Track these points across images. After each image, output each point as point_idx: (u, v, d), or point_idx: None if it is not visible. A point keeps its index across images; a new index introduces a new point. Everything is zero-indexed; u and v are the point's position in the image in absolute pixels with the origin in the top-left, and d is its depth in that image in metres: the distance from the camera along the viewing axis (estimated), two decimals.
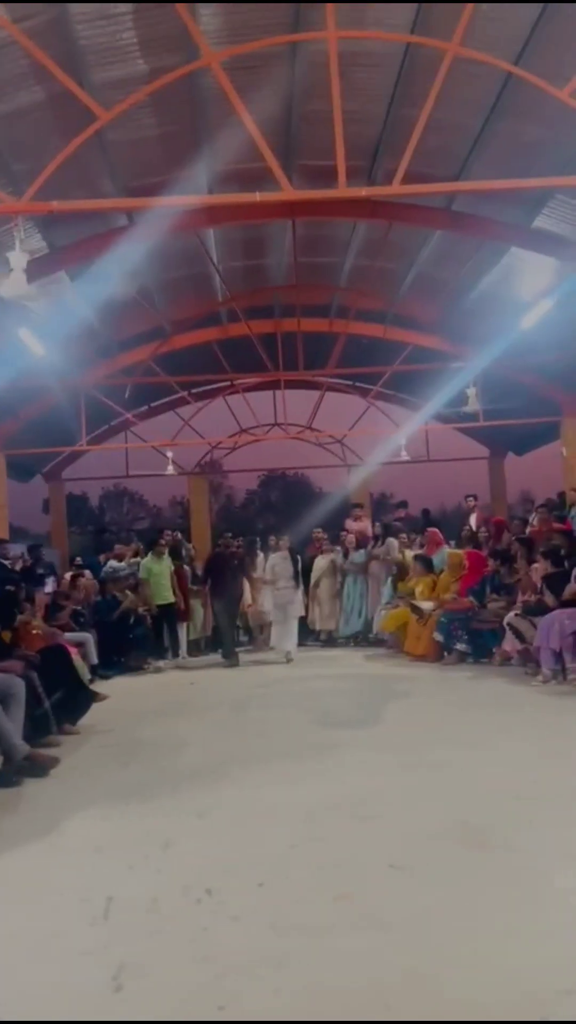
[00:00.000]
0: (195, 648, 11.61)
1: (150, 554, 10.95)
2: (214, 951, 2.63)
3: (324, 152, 7.81)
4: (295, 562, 10.45)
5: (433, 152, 8.75)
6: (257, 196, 6.35)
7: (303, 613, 10.90)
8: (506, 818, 3.72)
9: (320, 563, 11.95)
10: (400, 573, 11.25)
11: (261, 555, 11.78)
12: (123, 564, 11.86)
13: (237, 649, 10.94)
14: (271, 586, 10.54)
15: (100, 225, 10.22)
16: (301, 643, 11.57)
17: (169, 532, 11.63)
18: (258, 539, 12.51)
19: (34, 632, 6.93)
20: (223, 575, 10.76)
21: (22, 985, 2.50)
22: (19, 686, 5.41)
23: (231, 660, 10.30)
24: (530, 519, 12.01)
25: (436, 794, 4.18)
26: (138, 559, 11.93)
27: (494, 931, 2.66)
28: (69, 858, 3.61)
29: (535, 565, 8.85)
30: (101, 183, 9.16)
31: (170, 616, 10.93)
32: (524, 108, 8.15)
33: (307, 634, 11.86)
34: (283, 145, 9.05)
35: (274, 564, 10.49)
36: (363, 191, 6.94)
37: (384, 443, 18.33)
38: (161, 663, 10.76)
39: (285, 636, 10.34)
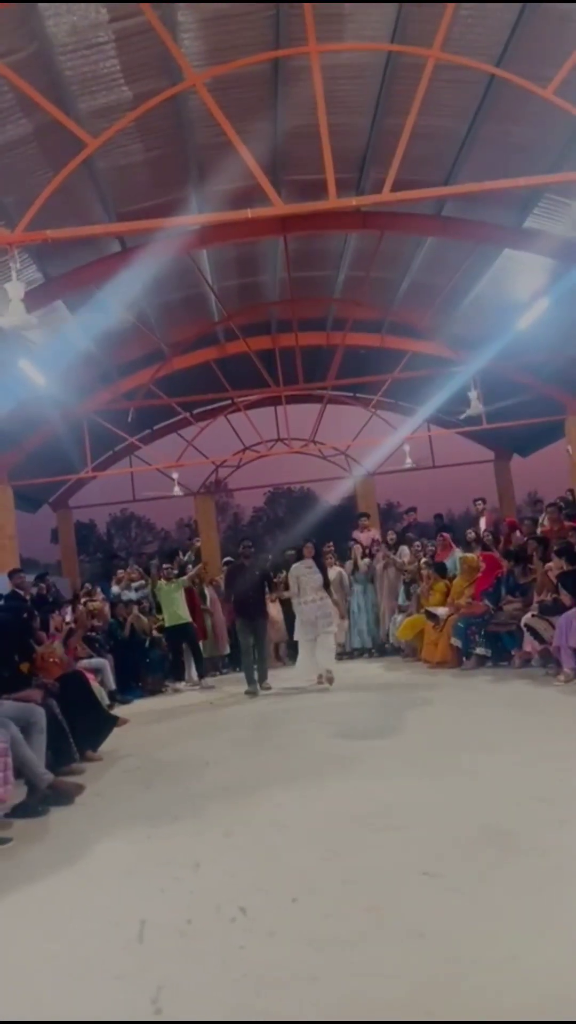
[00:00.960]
0: (210, 667, 11.58)
1: (161, 578, 10.95)
2: (251, 969, 2.60)
3: (312, 166, 7.87)
4: (323, 570, 9.39)
5: (420, 159, 8.80)
6: (248, 213, 6.38)
7: (336, 628, 9.72)
8: (535, 821, 3.67)
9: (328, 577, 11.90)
10: (411, 581, 11.23)
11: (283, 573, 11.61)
12: (130, 589, 11.87)
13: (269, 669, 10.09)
14: (296, 600, 9.29)
15: (94, 253, 10.30)
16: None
17: (181, 553, 11.62)
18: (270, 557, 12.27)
19: (52, 660, 6.92)
20: (244, 590, 9.77)
21: (60, 1012, 2.47)
22: (39, 715, 5.40)
23: (251, 688, 9.31)
24: (540, 519, 11.98)
25: (463, 800, 4.13)
26: (141, 582, 11.96)
27: (529, 935, 2.62)
28: (99, 884, 3.58)
29: (549, 564, 8.81)
30: (93, 211, 9.24)
31: (189, 637, 10.90)
32: (509, 109, 8.20)
33: None
34: (271, 162, 9.11)
35: (298, 575, 9.25)
36: (353, 201, 6.98)
37: (387, 450, 18.35)
38: (180, 685, 10.74)
39: (321, 655, 8.97)
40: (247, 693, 9.16)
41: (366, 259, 11.99)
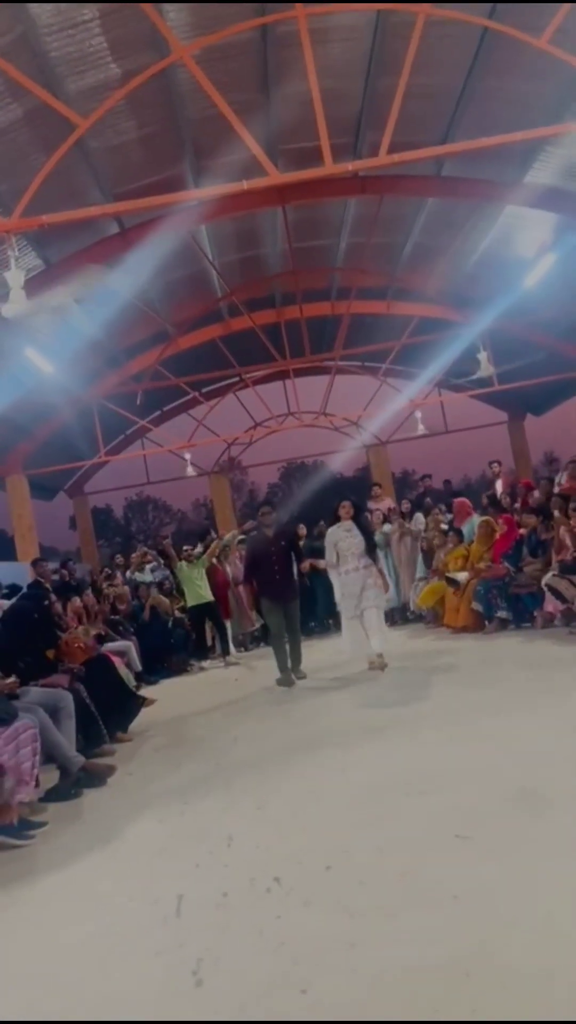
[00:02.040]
0: (237, 645, 11.65)
1: (183, 559, 10.96)
2: (288, 938, 2.63)
3: (307, 133, 7.76)
4: (365, 532, 7.91)
5: (417, 119, 8.65)
6: (244, 184, 6.30)
7: (386, 602, 8.48)
8: (565, 781, 3.66)
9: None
10: (430, 549, 11.18)
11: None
12: (143, 571, 11.92)
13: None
14: (335, 571, 7.90)
15: (92, 236, 10.22)
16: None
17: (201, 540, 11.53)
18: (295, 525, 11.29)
19: (77, 646, 6.98)
20: (268, 564, 8.14)
21: (103, 990, 2.52)
22: (67, 699, 5.46)
23: (283, 677, 7.90)
24: (556, 478, 11.88)
25: (492, 764, 4.13)
26: (154, 564, 12.00)
27: (565, 893, 2.62)
28: (135, 862, 3.63)
29: (562, 526, 8.75)
30: (88, 193, 9.16)
31: (213, 615, 10.95)
32: (504, 63, 8.02)
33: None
34: (265, 132, 8.96)
35: (336, 540, 7.85)
36: (349, 166, 6.87)
37: (398, 418, 18.24)
38: (205, 663, 10.82)
39: (372, 633, 7.58)
40: (279, 683, 7.83)
41: (367, 225, 11.84)
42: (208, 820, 4.03)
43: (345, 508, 7.91)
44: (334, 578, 7.96)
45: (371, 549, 7.88)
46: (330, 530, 8.01)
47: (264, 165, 6.28)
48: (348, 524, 7.85)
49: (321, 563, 8.62)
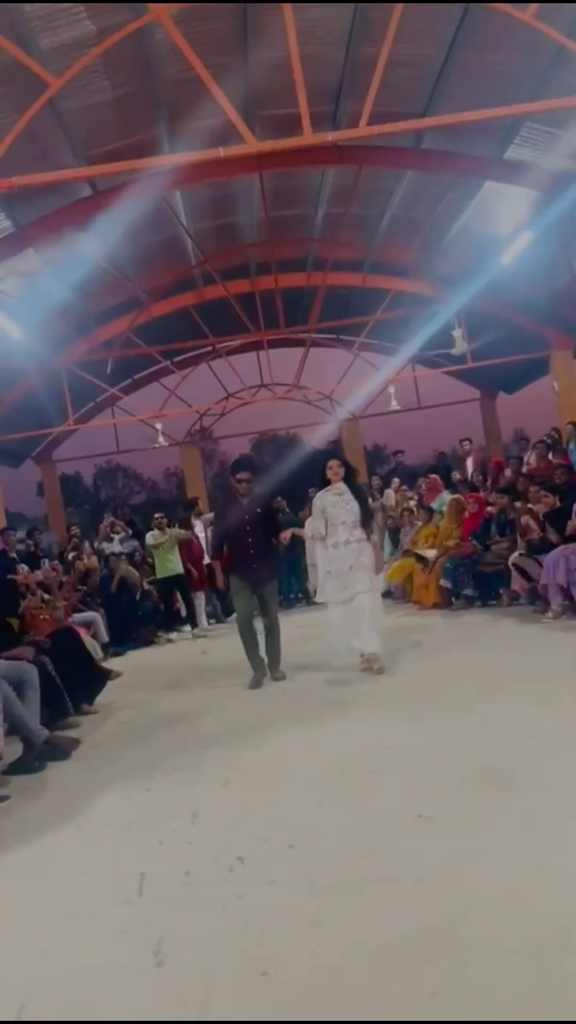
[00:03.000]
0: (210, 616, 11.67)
1: (153, 529, 10.89)
2: (251, 917, 2.64)
3: (286, 100, 7.60)
4: (360, 498, 6.67)
5: (397, 89, 8.51)
6: (220, 151, 6.17)
7: (382, 584, 7.60)
8: (529, 759, 3.71)
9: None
10: (396, 527, 11.23)
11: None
12: (111, 542, 11.83)
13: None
14: (320, 543, 6.66)
15: (64, 198, 9.98)
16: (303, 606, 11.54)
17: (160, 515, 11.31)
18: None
19: (42, 617, 6.91)
20: (238, 539, 6.81)
21: (63, 969, 2.50)
22: (31, 672, 5.40)
23: (255, 677, 6.64)
24: (525, 457, 11.96)
25: (456, 742, 4.17)
26: (123, 534, 11.92)
27: (528, 870, 2.66)
28: (98, 838, 3.62)
29: (528, 505, 8.82)
30: (61, 155, 8.92)
31: (181, 587, 10.92)
32: (487, 35, 7.91)
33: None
34: (242, 96, 8.77)
35: (324, 506, 6.57)
36: (328, 137, 6.75)
37: (371, 393, 18.18)
38: (172, 635, 10.80)
39: (363, 627, 6.32)
40: (250, 685, 6.55)
41: (345, 195, 11.70)
42: (173, 796, 4.03)
43: (333, 469, 6.66)
44: (318, 553, 6.75)
45: (366, 519, 6.55)
46: (318, 495, 6.75)
47: (241, 132, 6.14)
48: (339, 487, 6.60)
49: (304, 532, 7.44)
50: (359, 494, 6.70)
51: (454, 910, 2.48)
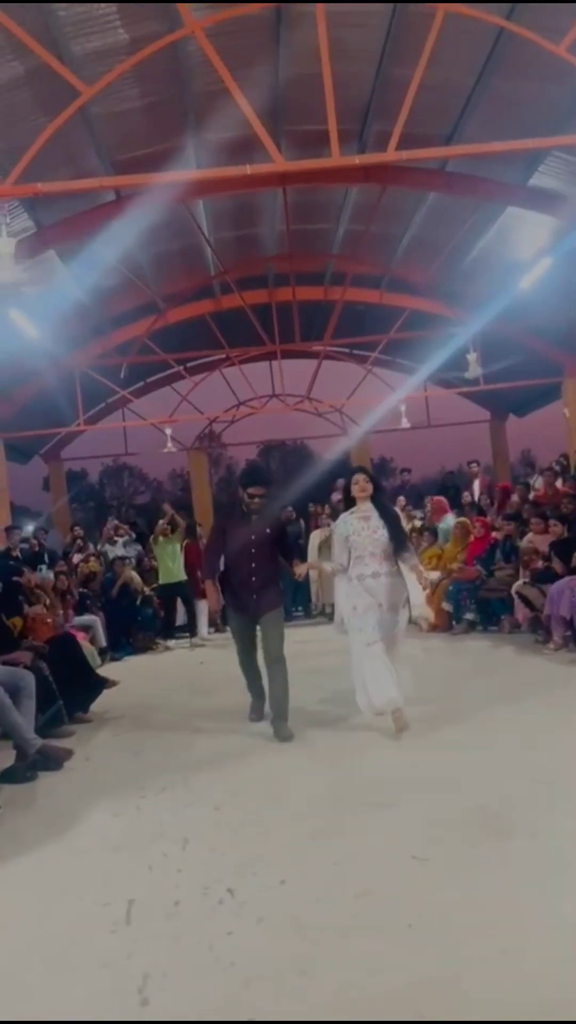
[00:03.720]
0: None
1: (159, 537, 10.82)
2: (239, 957, 2.60)
3: (314, 117, 7.60)
4: (391, 523, 5.41)
5: (425, 112, 8.47)
6: (248, 169, 6.16)
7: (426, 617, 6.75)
8: (526, 802, 3.68)
9: (316, 538, 11.81)
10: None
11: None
12: (115, 545, 11.79)
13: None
14: (342, 577, 5.51)
15: (88, 201, 9.99)
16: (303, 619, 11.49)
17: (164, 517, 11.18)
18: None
19: (42, 623, 6.89)
20: (240, 563, 5.59)
21: (44, 1001, 2.47)
22: (28, 678, 5.37)
23: (253, 705, 5.92)
24: (531, 482, 11.93)
25: (454, 777, 4.13)
26: (127, 538, 11.86)
27: (520, 926, 2.62)
28: (87, 859, 3.58)
29: (529, 536, 8.77)
30: (87, 159, 8.94)
31: (183, 594, 10.87)
32: (518, 64, 7.90)
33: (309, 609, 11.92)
34: (271, 112, 8.79)
35: (347, 533, 5.38)
36: (356, 159, 6.76)
37: (383, 409, 18.15)
38: (171, 643, 10.76)
39: (390, 675, 5.16)
40: (250, 719, 5.84)
41: (367, 213, 11.69)
42: (164, 817, 3.99)
43: (359, 484, 5.44)
44: (339, 586, 5.69)
45: (399, 547, 5.36)
46: (340, 518, 5.62)
47: (269, 150, 6.14)
48: (366, 507, 5.41)
49: (326, 566, 6.11)
50: (389, 517, 5.47)
51: (445, 964, 2.44)
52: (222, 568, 5.78)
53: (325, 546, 11.23)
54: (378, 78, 8.62)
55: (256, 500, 5.59)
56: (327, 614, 11.27)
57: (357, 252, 13.05)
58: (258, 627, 5.60)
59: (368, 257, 13.32)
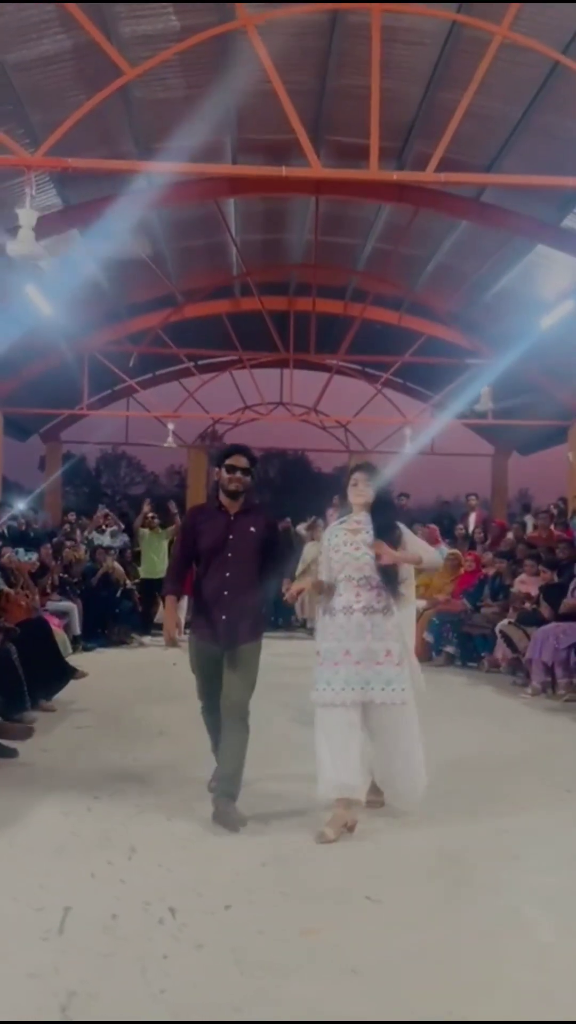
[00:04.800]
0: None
1: (146, 528, 10.73)
2: (171, 984, 2.46)
3: (355, 129, 7.54)
4: (388, 534, 3.97)
5: (467, 139, 8.43)
6: (283, 171, 6.07)
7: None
8: (490, 852, 3.55)
9: (309, 552, 11.66)
10: None
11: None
12: (102, 533, 11.64)
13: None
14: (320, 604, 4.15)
15: (118, 186, 9.86)
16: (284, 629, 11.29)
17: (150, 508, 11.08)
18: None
19: (18, 604, 6.74)
20: (212, 566, 4.15)
21: None
22: None
23: (215, 779, 4.09)
24: (526, 522, 11.84)
25: (418, 823, 3.94)
26: (115, 528, 11.72)
27: (469, 987, 2.49)
28: (28, 858, 3.43)
29: (521, 577, 8.69)
30: (122, 142, 8.84)
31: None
32: (568, 101, 7.84)
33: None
34: (313, 118, 8.72)
35: (334, 545, 4.08)
36: (394, 175, 6.69)
37: (390, 434, 18.10)
38: (146, 639, 10.59)
39: (380, 751, 4.02)
40: (210, 789, 4.09)
41: (397, 233, 11.62)
42: (114, 822, 3.85)
43: (358, 486, 4.10)
44: (318, 618, 4.29)
45: (390, 581, 3.96)
46: (330, 527, 4.52)
47: (307, 155, 6.04)
48: (360, 518, 4.08)
49: (308, 581, 4.61)
50: (386, 536, 3.99)
51: (388, 1017, 2.30)
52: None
53: (315, 565, 11.05)
54: (425, 99, 8.54)
55: (237, 475, 4.11)
56: (308, 629, 11.00)
57: (382, 271, 12.98)
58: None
59: (392, 277, 13.24)
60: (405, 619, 4.15)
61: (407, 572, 4.18)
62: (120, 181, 9.68)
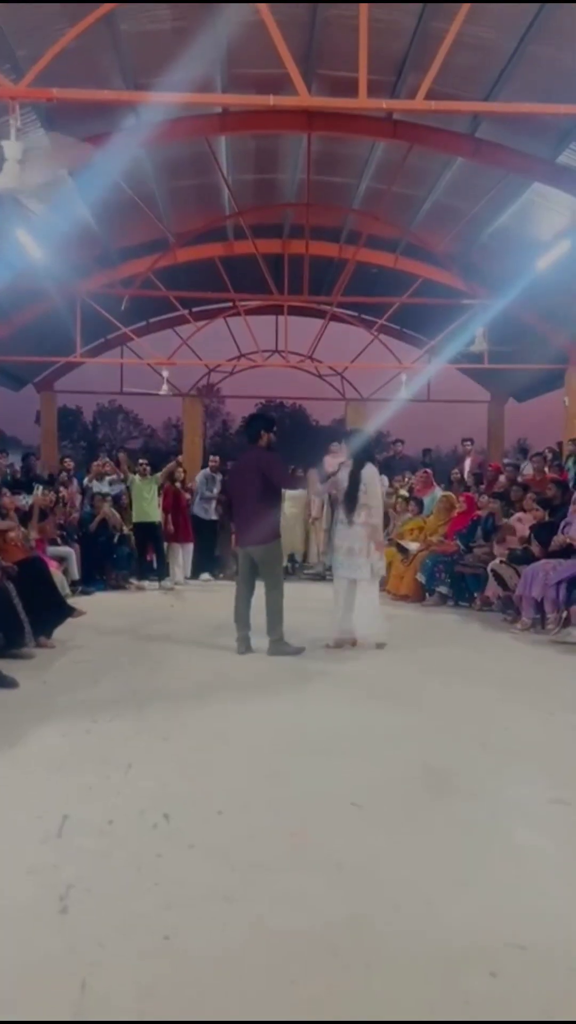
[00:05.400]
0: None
1: (135, 474, 10.82)
2: (164, 879, 2.59)
3: (347, 62, 7.34)
4: (353, 476, 6.50)
5: (461, 71, 8.28)
6: (271, 99, 5.97)
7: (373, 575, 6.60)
8: (472, 766, 3.68)
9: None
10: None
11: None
12: (102, 482, 11.70)
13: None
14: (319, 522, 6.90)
15: (106, 124, 9.69)
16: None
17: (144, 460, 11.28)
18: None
19: (14, 544, 6.82)
20: (239, 493, 6.60)
21: None
22: None
23: (239, 639, 6.34)
24: (522, 467, 11.89)
25: (404, 735, 4.14)
26: (113, 476, 11.78)
27: (446, 881, 2.62)
28: (29, 773, 3.56)
29: (518, 515, 8.78)
30: (110, 77, 8.65)
31: (155, 536, 10.87)
32: (563, 31, 7.66)
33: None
34: (304, 51, 8.53)
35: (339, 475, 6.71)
36: (383, 104, 6.55)
37: (387, 380, 18.02)
38: (144, 583, 10.72)
39: (363, 612, 6.51)
40: (237, 651, 6.25)
41: (391, 171, 11.43)
42: (112, 743, 3.98)
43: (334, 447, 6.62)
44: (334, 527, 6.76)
45: (352, 497, 6.42)
46: (341, 469, 6.88)
47: (296, 84, 5.93)
48: (347, 463, 6.71)
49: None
50: (355, 479, 6.48)
51: (367, 908, 2.43)
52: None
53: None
54: (418, 30, 8.34)
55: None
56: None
57: (376, 211, 12.78)
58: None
59: (387, 218, 13.05)
60: (375, 526, 6.50)
61: (369, 498, 6.41)
62: (109, 119, 9.52)
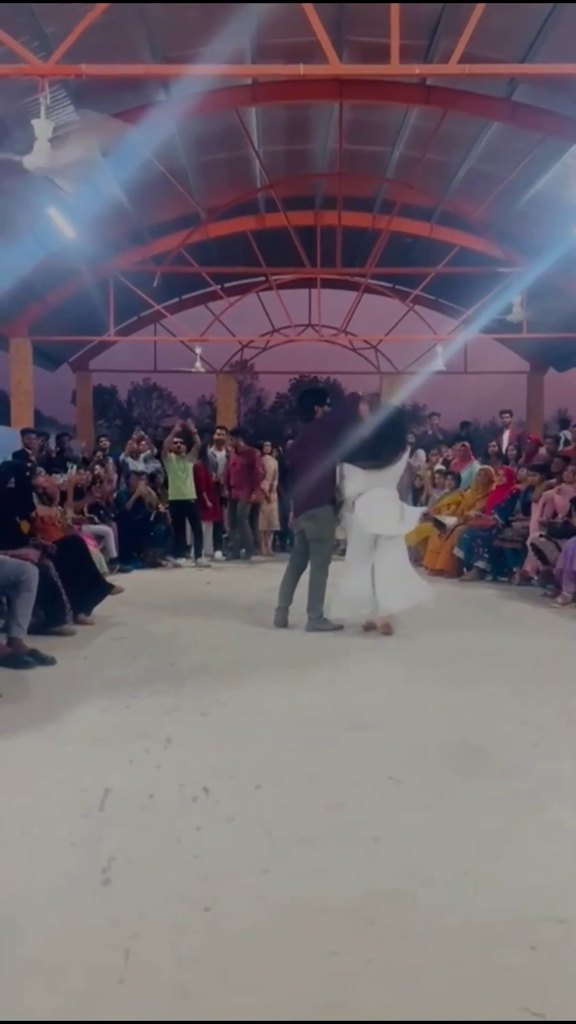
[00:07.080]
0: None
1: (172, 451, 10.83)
2: (204, 851, 2.62)
3: (378, 27, 7.20)
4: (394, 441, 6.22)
5: (496, 33, 8.07)
6: (301, 69, 5.87)
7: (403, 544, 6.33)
8: (509, 742, 3.66)
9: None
10: (422, 487, 11.10)
11: None
12: (137, 459, 11.76)
13: None
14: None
15: (136, 99, 9.65)
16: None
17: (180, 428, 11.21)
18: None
19: (52, 524, 6.90)
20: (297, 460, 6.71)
21: (9, 872, 2.51)
22: (31, 572, 5.40)
23: (277, 610, 6.43)
24: (562, 436, 11.70)
25: (441, 711, 4.13)
26: (148, 452, 11.84)
27: (484, 855, 2.61)
28: (70, 748, 3.62)
29: (559, 487, 8.64)
30: (139, 51, 8.59)
31: (191, 513, 10.90)
32: None
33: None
34: (334, 17, 8.37)
35: None
36: (416, 69, 6.43)
37: (422, 353, 17.81)
38: (180, 561, 10.80)
39: (379, 582, 5.98)
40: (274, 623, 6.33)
41: (425, 138, 11.23)
42: (151, 718, 4.02)
43: (362, 404, 6.29)
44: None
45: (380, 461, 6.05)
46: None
47: (327, 52, 5.83)
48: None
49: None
50: (395, 432, 6.46)
51: (405, 881, 2.44)
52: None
53: None
54: None
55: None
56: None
57: (410, 179, 12.58)
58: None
59: (421, 186, 12.85)
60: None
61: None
62: (138, 92, 9.47)
